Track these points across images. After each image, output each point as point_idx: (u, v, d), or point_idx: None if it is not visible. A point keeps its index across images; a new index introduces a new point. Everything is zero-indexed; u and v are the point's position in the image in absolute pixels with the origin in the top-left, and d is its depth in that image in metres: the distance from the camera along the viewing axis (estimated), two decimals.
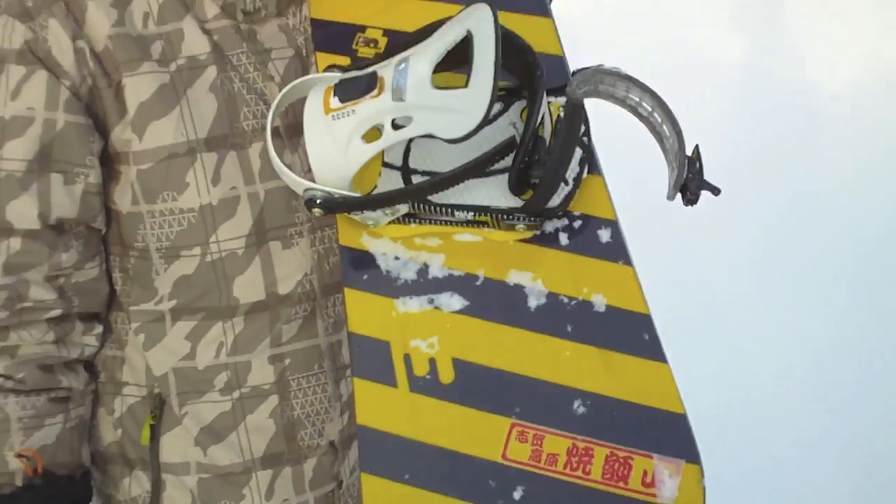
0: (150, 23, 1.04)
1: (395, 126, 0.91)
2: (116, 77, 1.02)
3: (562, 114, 0.94)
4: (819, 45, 3.45)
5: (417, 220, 0.98)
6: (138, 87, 1.02)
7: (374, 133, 0.92)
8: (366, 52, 1.08)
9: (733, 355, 2.72)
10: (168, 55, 1.04)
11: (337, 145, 0.92)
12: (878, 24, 3.53)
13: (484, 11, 0.89)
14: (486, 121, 0.87)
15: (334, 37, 1.10)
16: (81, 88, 1.02)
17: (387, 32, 1.09)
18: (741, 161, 2.95)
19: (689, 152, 0.96)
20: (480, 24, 0.89)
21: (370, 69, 0.93)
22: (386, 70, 0.91)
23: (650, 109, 0.98)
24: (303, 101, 0.97)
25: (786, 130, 3.18)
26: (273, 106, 0.99)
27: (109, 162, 1.06)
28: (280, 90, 1.05)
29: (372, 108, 0.91)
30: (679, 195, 0.95)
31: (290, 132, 1.06)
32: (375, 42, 1.09)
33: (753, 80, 3.38)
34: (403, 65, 0.90)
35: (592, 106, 0.99)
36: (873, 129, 3.18)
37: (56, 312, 1.05)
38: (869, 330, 2.77)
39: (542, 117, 0.94)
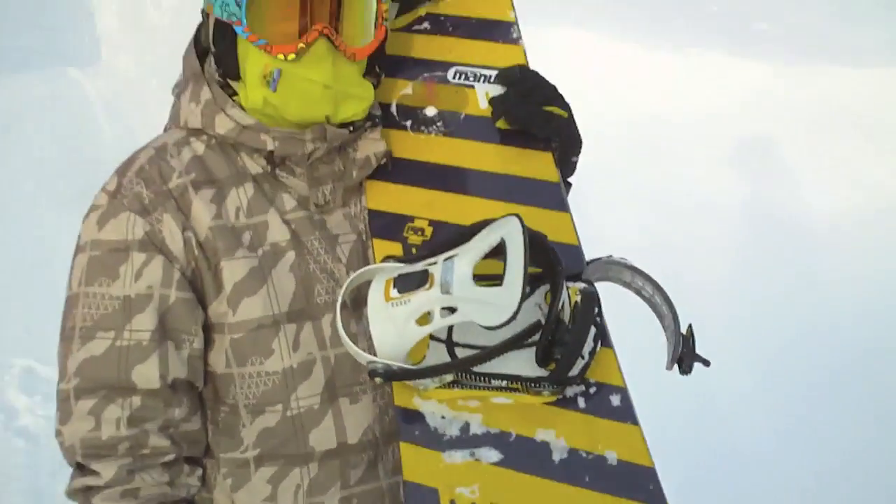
0: (241, 215, 1.25)
1: (443, 311, 1.13)
2: (215, 261, 1.22)
3: (578, 298, 1.15)
4: (813, 176, 3.64)
5: (460, 386, 1.18)
6: (233, 269, 1.22)
7: (425, 317, 1.13)
8: (414, 238, 1.30)
9: None
10: (256, 242, 1.25)
11: (395, 327, 1.13)
12: (869, 152, 3.74)
13: (515, 225, 1.10)
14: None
15: (388, 225, 1.32)
16: (187, 270, 1.22)
17: (432, 223, 1.31)
18: (745, 289, 3.13)
19: (683, 330, 1.17)
20: (512, 235, 1.10)
21: (422, 265, 1.15)
22: (435, 268, 1.13)
23: (651, 293, 1.19)
24: (366, 283, 1.19)
25: (787, 258, 3.36)
26: (342, 292, 1.20)
27: (206, 331, 1.25)
28: (346, 270, 1.27)
29: (424, 299, 1.12)
30: (676, 366, 1.16)
31: (355, 305, 1.27)
32: (422, 230, 1.31)
33: (753, 211, 3.57)
34: (450, 264, 1.12)
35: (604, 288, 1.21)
36: (872, 251, 3.37)
37: (170, 457, 1.21)
38: None
39: (562, 303, 1.15)
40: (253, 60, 1.23)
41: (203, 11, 1.30)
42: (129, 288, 1.20)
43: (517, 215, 1.12)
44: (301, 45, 1.20)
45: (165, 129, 1.35)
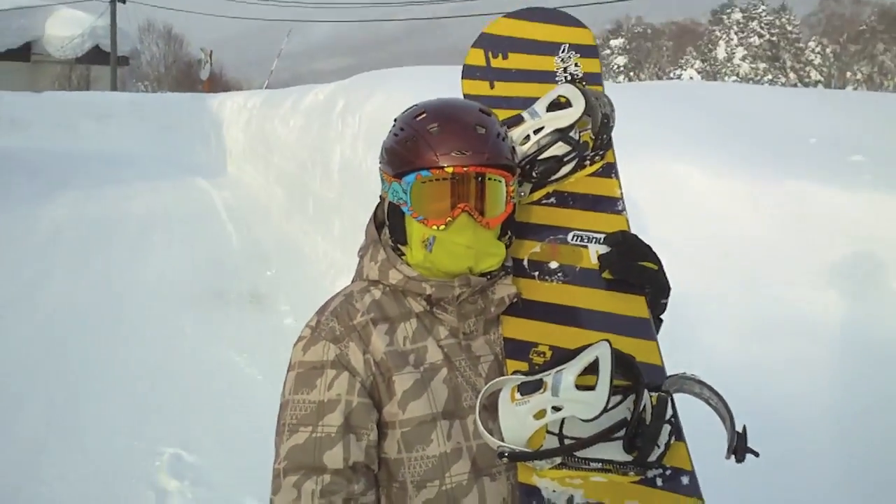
0: (407, 343, 1.70)
1: (553, 409, 1.53)
2: (388, 375, 1.66)
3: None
4: None
5: (567, 467, 1.56)
6: (403, 381, 1.65)
7: (540, 413, 1.53)
8: (538, 359, 1.71)
9: None
10: (418, 362, 1.68)
11: (519, 421, 1.54)
12: None
13: (606, 347, 1.51)
14: (605, 411, 1.46)
15: (518, 349, 1.73)
16: (366, 382, 1.65)
17: (552, 348, 1.72)
18: (849, 412, 3.24)
19: (739, 429, 1.52)
20: (603, 355, 1.51)
21: (539, 377, 1.57)
22: (548, 377, 1.54)
23: (716, 402, 1.55)
24: (498, 390, 1.62)
25: (889, 379, 3.43)
26: (480, 396, 1.61)
27: (380, 427, 1.67)
28: (485, 383, 1.69)
29: (539, 400, 1.53)
30: (733, 456, 1.50)
31: (492, 408, 1.68)
32: (544, 353, 1.71)
33: (852, 333, 3.66)
34: (559, 375, 1.53)
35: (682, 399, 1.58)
36: None
37: None
38: None
39: (644, 406, 1.53)
40: (415, 230, 1.70)
41: (380, 196, 1.81)
42: (323, 395, 1.63)
43: (608, 341, 1.52)
44: (449, 218, 1.66)
45: (353, 281, 1.84)
